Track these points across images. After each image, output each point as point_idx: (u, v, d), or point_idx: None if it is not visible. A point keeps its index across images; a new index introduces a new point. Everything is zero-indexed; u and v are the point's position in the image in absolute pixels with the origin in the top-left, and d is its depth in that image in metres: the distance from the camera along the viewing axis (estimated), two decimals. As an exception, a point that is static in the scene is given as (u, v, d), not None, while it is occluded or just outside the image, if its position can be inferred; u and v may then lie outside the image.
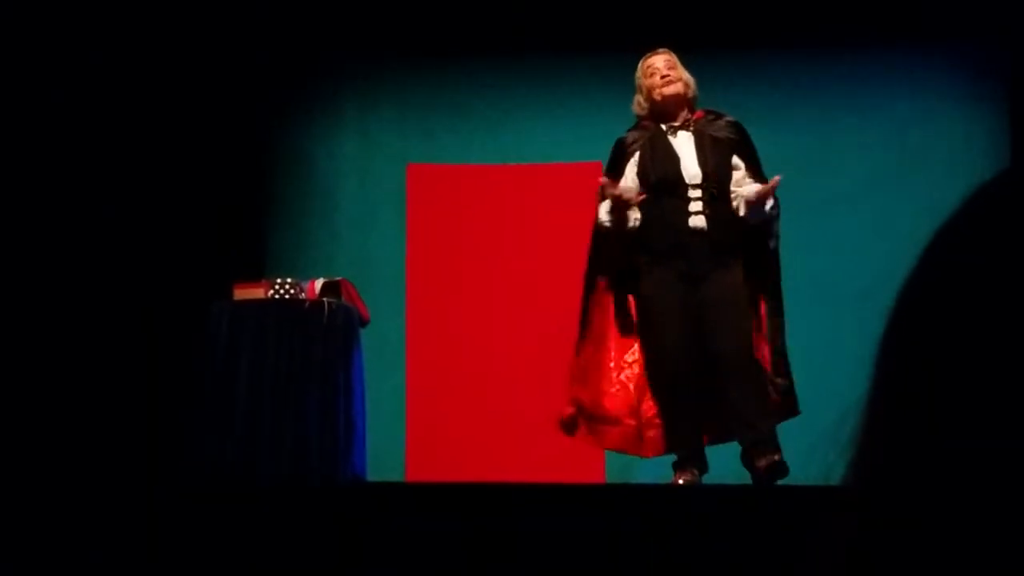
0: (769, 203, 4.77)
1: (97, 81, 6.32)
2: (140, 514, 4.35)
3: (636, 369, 4.92)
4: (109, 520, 4.28)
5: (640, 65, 4.95)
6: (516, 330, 6.84)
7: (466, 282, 6.97)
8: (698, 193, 4.72)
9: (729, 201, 4.75)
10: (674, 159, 4.77)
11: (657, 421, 4.87)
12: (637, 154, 4.85)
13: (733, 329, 4.65)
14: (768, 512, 4.14)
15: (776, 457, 4.53)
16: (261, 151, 7.08)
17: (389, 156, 7.11)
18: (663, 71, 4.87)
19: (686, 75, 4.90)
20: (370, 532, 4.19)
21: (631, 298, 4.94)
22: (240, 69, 6.87)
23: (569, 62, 6.97)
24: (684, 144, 4.81)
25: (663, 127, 4.85)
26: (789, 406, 4.82)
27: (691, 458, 4.75)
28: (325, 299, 5.40)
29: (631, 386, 4.90)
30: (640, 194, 4.70)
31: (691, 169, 4.75)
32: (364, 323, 5.62)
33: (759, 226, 4.82)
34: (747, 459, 4.64)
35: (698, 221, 4.70)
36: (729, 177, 4.77)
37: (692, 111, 4.90)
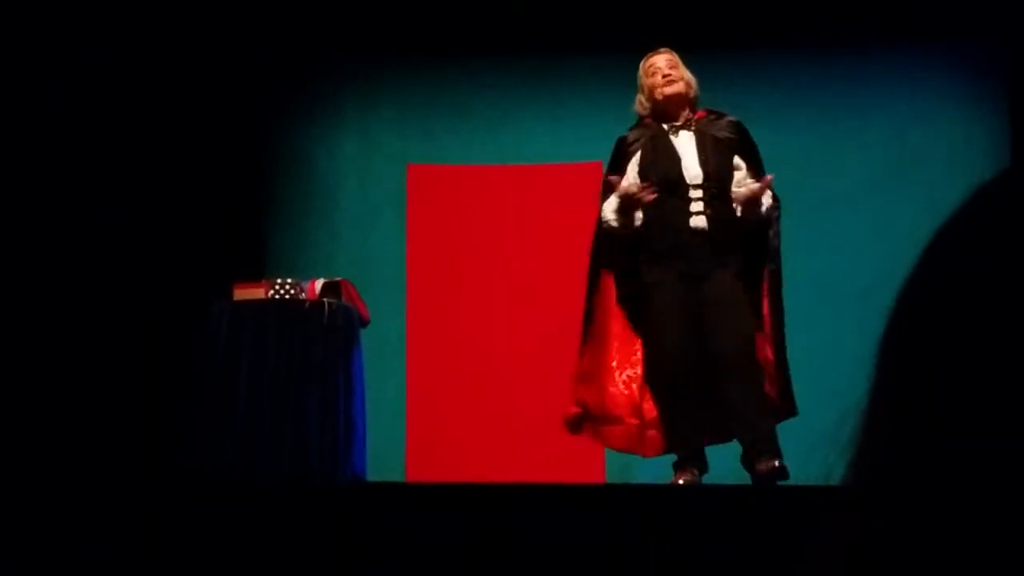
0: (766, 203, 4.76)
1: (97, 81, 6.32)
2: (140, 514, 4.35)
3: (639, 369, 4.92)
4: (109, 520, 4.28)
5: (642, 64, 4.95)
6: (516, 330, 6.84)
7: (466, 282, 6.97)
8: (699, 193, 4.71)
9: (730, 201, 4.75)
10: (675, 159, 4.77)
11: (659, 421, 4.87)
12: (638, 153, 4.85)
13: (733, 329, 4.65)
14: (768, 512, 4.13)
15: (776, 462, 4.53)
16: (261, 151, 7.08)
17: (389, 156, 7.12)
18: (665, 70, 4.87)
19: (688, 75, 4.90)
20: (370, 532, 4.19)
21: (632, 298, 4.94)
22: (240, 69, 6.87)
23: (569, 62, 6.97)
24: (685, 144, 4.81)
25: (665, 127, 4.85)
26: (788, 407, 4.82)
27: (691, 458, 4.75)
28: (325, 299, 5.40)
29: (634, 386, 4.90)
30: (652, 192, 4.69)
31: (692, 169, 4.75)
32: (364, 323, 5.62)
33: (760, 226, 4.82)
34: (747, 461, 4.64)
35: (699, 221, 4.70)
36: (730, 177, 4.77)
37: (694, 111, 4.90)
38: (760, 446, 4.59)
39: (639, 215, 4.76)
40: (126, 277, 6.27)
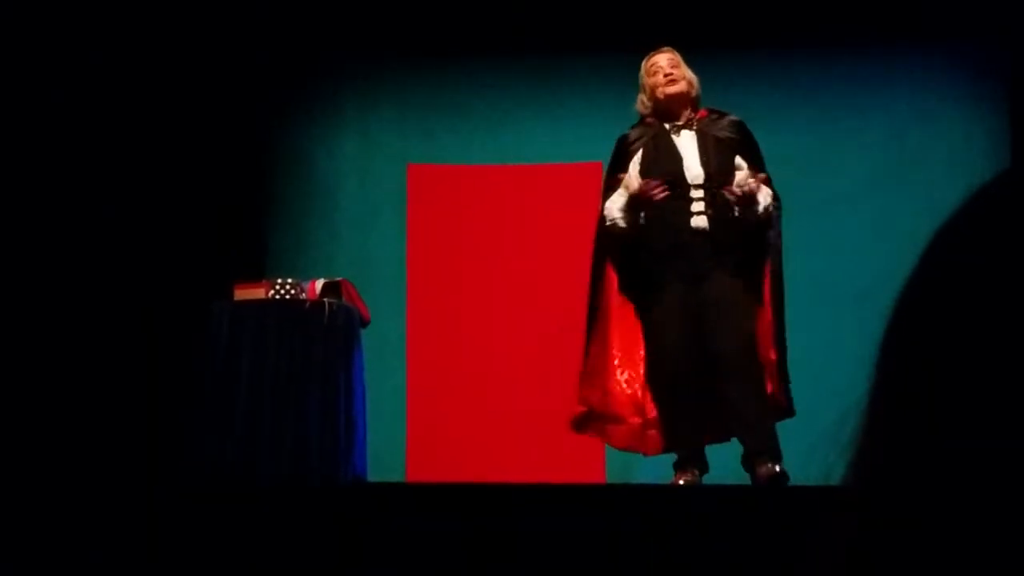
0: (763, 201, 4.76)
1: (97, 81, 6.32)
2: (140, 514, 4.35)
3: (641, 369, 4.92)
4: (109, 520, 4.28)
5: (644, 64, 4.95)
6: (516, 330, 6.84)
7: (466, 282, 6.97)
8: (700, 193, 4.71)
9: (731, 201, 4.75)
10: (677, 159, 4.77)
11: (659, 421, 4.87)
12: (640, 152, 4.84)
13: (734, 329, 4.65)
14: (768, 512, 4.14)
15: (777, 468, 4.53)
16: (261, 151, 7.08)
17: (389, 156, 7.12)
18: (666, 70, 4.87)
19: (689, 74, 4.90)
20: (370, 532, 4.19)
21: (634, 298, 4.94)
22: (240, 69, 6.87)
23: (569, 62, 6.97)
24: (687, 144, 4.81)
25: (666, 126, 4.85)
26: (787, 407, 4.82)
27: (691, 458, 4.74)
28: (326, 299, 5.40)
29: (637, 384, 4.90)
30: (664, 190, 4.68)
31: (694, 169, 4.74)
32: (364, 323, 5.62)
33: (761, 225, 4.81)
34: (748, 463, 4.64)
35: (700, 221, 4.69)
36: (732, 177, 4.75)
37: (695, 110, 4.90)
38: (760, 448, 4.59)
39: (643, 214, 4.76)
40: (127, 277, 6.27)
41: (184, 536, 4.22)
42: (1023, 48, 6.65)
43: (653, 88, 4.87)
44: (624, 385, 4.90)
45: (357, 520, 4.31)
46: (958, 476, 0.57)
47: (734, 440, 4.73)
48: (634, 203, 4.74)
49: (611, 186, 4.92)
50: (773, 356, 4.80)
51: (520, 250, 6.94)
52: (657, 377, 4.80)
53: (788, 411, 4.80)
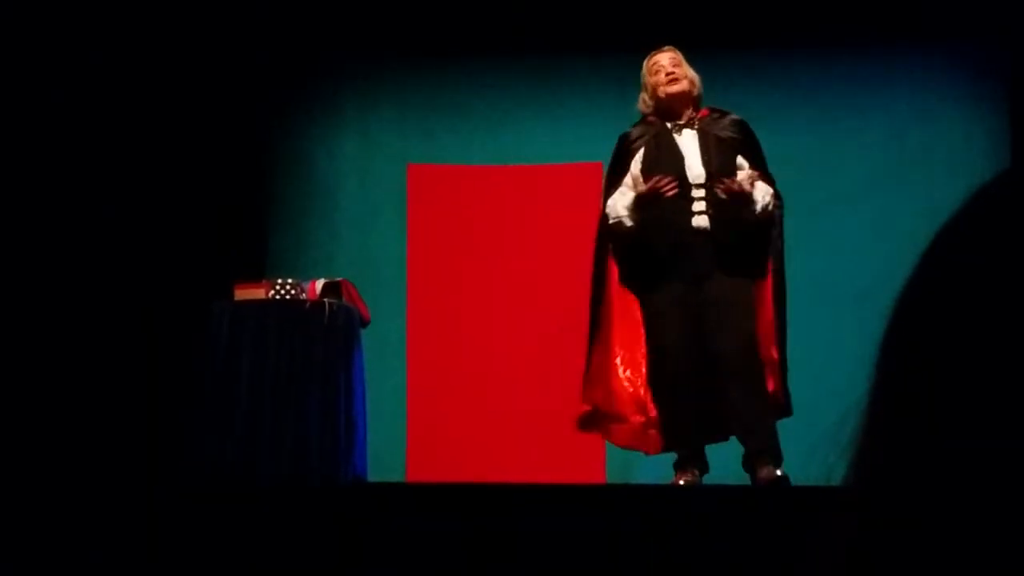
0: (760, 200, 4.75)
1: (97, 81, 6.32)
2: (140, 514, 4.35)
3: (644, 367, 4.91)
4: (109, 520, 4.28)
5: (645, 63, 4.95)
6: (516, 330, 6.84)
7: (466, 282, 6.97)
8: (701, 193, 4.71)
9: (733, 200, 4.74)
10: (678, 158, 4.76)
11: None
12: (641, 151, 4.84)
13: (735, 329, 4.64)
14: (768, 512, 4.14)
15: (778, 471, 4.53)
16: (261, 151, 7.08)
17: (389, 156, 7.11)
18: (668, 69, 4.87)
19: (691, 73, 4.90)
20: (370, 532, 4.19)
21: (636, 297, 4.94)
22: (240, 69, 6.87)
23: (569, 62, 6.97)
24: (688, 143, 4.80)
25: (668, 125, 4.85)
26: (785, 406, 4.82)
27: (691, 458, 4.74)
28: (326, 299, 5.40)
29: (639, 383, 4.89)
30: (674, 187, 4.67)
31: (695, 169, 4.74)
32: (365, 323, 5.62)
33: (762, 225, 4.81)
34: (748, 465, 4.64)
35: (701, 221, 4.69)
36: (733, 177, 4.75)
37: (697, 109, 4.90)
38: (761, 447, 4.59)
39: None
40: (127, 277, 6.27)
41: (184, 536, 4.22)
42: (1023, 48, 6.65)
43: (655, 87, 4.87)
44: (626, 384, 4.89)
45: (357, 520, 4.31)
46: (958, 476, 0.57)
47: (734, 440, 4.73)
48: (641, 200, 4.74)
49: (612, 184, 4.91)
50: (775, 355, 4.80)
51: (520, 250, 6.94)
52: (658, 377, 4.79)
53: (786, 410, 4.80)
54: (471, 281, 6.97)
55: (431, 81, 7.12)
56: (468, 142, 7.06)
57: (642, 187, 4.73)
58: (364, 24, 6.91)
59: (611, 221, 4.85)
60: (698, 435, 4.77)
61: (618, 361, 4.93)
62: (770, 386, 4.76)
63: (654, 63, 4.91)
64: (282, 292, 5.42)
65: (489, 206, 7.03)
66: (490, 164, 7.06)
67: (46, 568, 4.08)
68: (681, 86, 4.84)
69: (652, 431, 4.88)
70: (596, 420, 4.98)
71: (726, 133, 4.84)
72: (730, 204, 4.69)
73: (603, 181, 5.06)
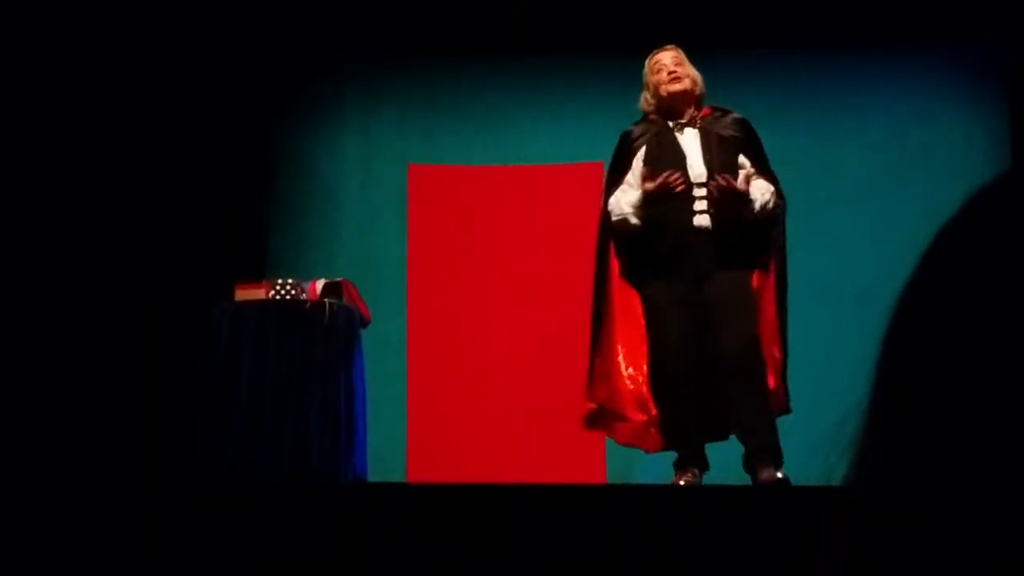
0: (759, 199, 4.75)
1: (97, 81, 6.32)
2: (140, 514, 4.35)
3: (645, 367, 4.91)
4: (109, 520, 4.28)
5: (647, 61, 4.95)
6: (516, 330, 6.84)
7: (467, 283, 6.97)
8: (703, 192, 4.71)
9: (735, 200, 4.73)
10: (680, 157, 4.76)
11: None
12: (643, 149, 4.84)
13: (736, 329, 4.64)
14: (768, 512, 4.14)
15: (779, 474, 4.53)
16: (262, 151, 7.08)
17: (390, 157, 7.12)
18: (670, 67, 4.87)
19: (693, 72, 4.90)
20: (370, 532, 4.19)
21: (637, 296, 4.93)
22: (240, 69, 6.87)
23: (569, 62, 6.97)
24: (690, 142, 4.80)
25: (670, 124, 4.85)
26: (785, 404, 4.83)
27: (692, 458, 4.74)
28: (326, 300, 5.40)
29: (641, 381, 4.89)
30: (681, 182, 4.67)
31: (697, 168, 4.74)
32: (365, 324, 5.62)
33: (762, 224, 4.81)
34: (749, 465, 4.64)
35: (702, 220, 4.69)
36: (735, 176, 4.75)
37: (699, 108, 4.90)
38: (761, 446, 4.59)
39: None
40: (127, 277, 6.27)
41: (184, 536, 4.22)
42: (1023, 48, 6.65)
43: (657, 85, 4.87)
44: (629, 382, 4.89)
45: (357, 520, 4.31)
46: (959, 476, 0.57)
47: (734, 440, 4.73)
48: (647, 197, 4.73)
49: (613, 182, 4.91)
50: (777, 353, 4.80)
51: (520, 250, 6.95)
52: (658, 377, 4.79)
53: (785, 408, 4.81)
54: (471, 281, 6.97)
55: (432, 82, 7.12)
56: (468, 142, 7.07)
57: (649, 183, 4.72)
58: (365, 24, 6.91)
59: (615, 218, 4.85)
60: (698, 435, 4.77)
61: (621, 359, 4.93)
62: (771, 384, 4.76)
63: (656, 62, 4.91)
64: (282, 292, 5.42)
65: (489, 206, 7.03)
66: (490, 164, 7.06)
67: (46, 568, 4.08)
68: (683, 85, 4.84)
69: (653, 430, 4.88)
70: (601, 418, 4.98)
71: (728, 132, 4.84)
72: (729, 203, 4.69)
73: (604, 180, 5.05)
